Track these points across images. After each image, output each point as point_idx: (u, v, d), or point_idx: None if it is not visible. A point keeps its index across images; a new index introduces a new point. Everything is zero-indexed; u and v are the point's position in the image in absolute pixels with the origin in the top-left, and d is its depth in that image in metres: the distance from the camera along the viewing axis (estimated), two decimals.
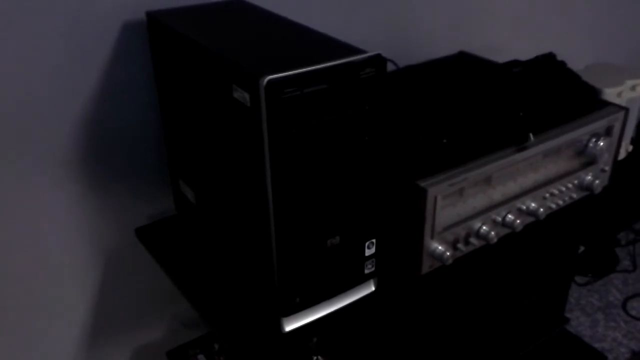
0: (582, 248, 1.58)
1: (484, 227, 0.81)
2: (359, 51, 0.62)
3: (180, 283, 0.83)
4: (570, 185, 0.91)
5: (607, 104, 0.94)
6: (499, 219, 0.83)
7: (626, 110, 0.93)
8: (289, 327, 0.70)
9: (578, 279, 1.65)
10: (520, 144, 0.82)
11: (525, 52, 1.02)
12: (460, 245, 0.80)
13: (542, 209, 0.86)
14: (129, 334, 1.05)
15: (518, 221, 0.83)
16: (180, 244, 0.90)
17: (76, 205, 0.90)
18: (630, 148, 1.10)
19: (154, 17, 0.78)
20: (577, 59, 1.10)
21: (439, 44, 1.18)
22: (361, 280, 0.74)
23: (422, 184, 0.74)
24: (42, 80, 0.80)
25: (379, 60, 0.62)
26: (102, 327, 1.01)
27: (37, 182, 0.85)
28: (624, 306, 1.58)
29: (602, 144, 0.90)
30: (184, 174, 0.86)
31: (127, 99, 0.88)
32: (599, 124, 0.90)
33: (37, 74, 0.80)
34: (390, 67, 0.96)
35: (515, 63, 0.96)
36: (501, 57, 1.02)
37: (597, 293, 1.62)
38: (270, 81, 0.56)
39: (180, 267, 0.86)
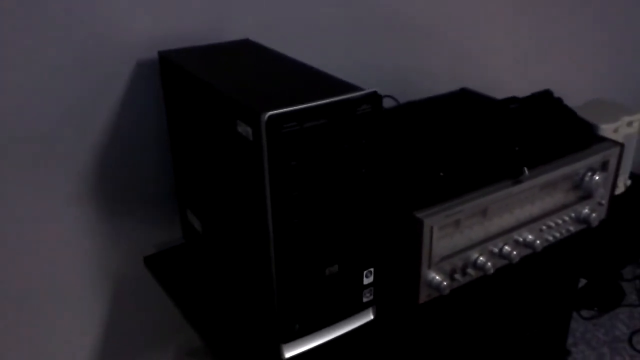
0: (584, 281, 1.59)
1: (481, 258, 0.83)
2: (356, 88, 0.66)
3: (186, 311, 0.86)
4: (567, 218, 0.93)
5: (603, 139, 0.97)
6: (496, 250, 0.85)
7: (622, 145, 0.95)
8: (288, 354, 0.73)
9: (584, 312, 1.65)
10: (516, 178, 0.85)
11: (527, 88, 1.05)
12: (457, 276, 0.83)
13: (538, 241, 0.88)
14: None
15: (514, 252, 0.85)
16: (187, 272, 0.93)
17: (85, 233, 0.93)
18: (629, 182, 1.11)
19: (165, 57, 0.83)
20: (576, 95, 1.13)
21: (443, 81, 1.22)
22: (360, 308, 0.76)
23: (419, 215, 0.76)
24: (57, 112, 0.84)
25: (374, 97, 0.65)
26: (107, 354, 1.03)
27: (48, 209, 0.89)
28: (630, 340, 1.58)
29: (597, 177, 0.92)
30: (192, 204, 0.90)
31: (138, 132, 0.92)
32: (595, 159, 0.92)
33: (52, 107, 0.84)
34: (392, 102, 1.00)
35: (512, 100, 1.00)
36: (504, 93, 1.06)
37: (602, 327, 1.62)
38: (270, 117, 0.59)
39: (187, 295, 0.88)
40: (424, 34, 1.18)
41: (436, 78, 1.23)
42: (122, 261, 0.98)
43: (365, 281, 0.75)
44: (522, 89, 1.07)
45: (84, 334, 1.00)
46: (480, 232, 0.83)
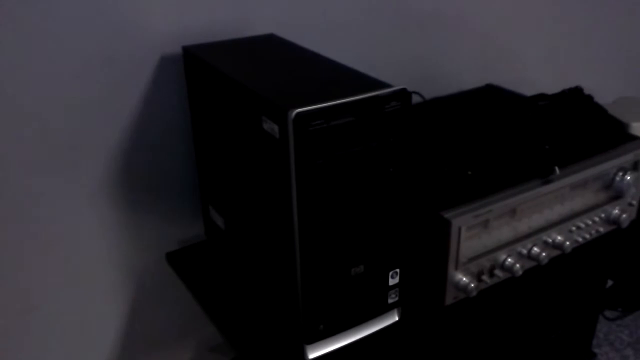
0: (610, 282, 1.56)
1: (509, 260, 0.81)
2: (384, 85, 0.64)
3: (208, 307, 0.85)
4: (597, 219, 0.91)
5: (634, 138, 0.94)
6: (525, 251, 0.84)
7: None
8: (312, 355, 0.71)
9: (607, 313, 1.61)
10: (546, 177, 0.83)
11: (554, 85, 1.03)
12: (485, 277, 0.81)
13: (568, 242, 0.86)
14: (155, 358, 1.07)
15: (544, 254, 0.83)
16: (209, 269, 0.92)
17: (108, 229, 0.93)
18: None
19: (190, 51, 0.82)
20: (606, 92, 1.10)
21: (468, 77, 1.20)
22: (385, 309, 0.75)
23: (446, 215, 0.75)
24: (79, 108, 0.84)
25: (403, 95, 0.64)
26: (129, 348, 1.03)
27: (71, 205, 0.89)
28: None
29: (629, 177, 0.90)
30: (214, 201, 0.89)
31: (162, 127, 0.91)
32: (626, 158, 0.90)
33: (75, 103, 0.83)
34: (417, 99, 0.99)
35: (541, 96, 0.97)
36: (530, 90, 1.04)
37: (626, 328, 1.59)
38: (298, 114, 0.58)
39: (209, 292, 0.88)
40: (450, 29, 1.16)
41: (461, 73, 1.21)
42: (144, 257, 0.98)
43: (391, 282, 0.73)
44: (550, 85, 1.05)
45: (105, 329, 1.00)
46: (508, 233, 0.81)
